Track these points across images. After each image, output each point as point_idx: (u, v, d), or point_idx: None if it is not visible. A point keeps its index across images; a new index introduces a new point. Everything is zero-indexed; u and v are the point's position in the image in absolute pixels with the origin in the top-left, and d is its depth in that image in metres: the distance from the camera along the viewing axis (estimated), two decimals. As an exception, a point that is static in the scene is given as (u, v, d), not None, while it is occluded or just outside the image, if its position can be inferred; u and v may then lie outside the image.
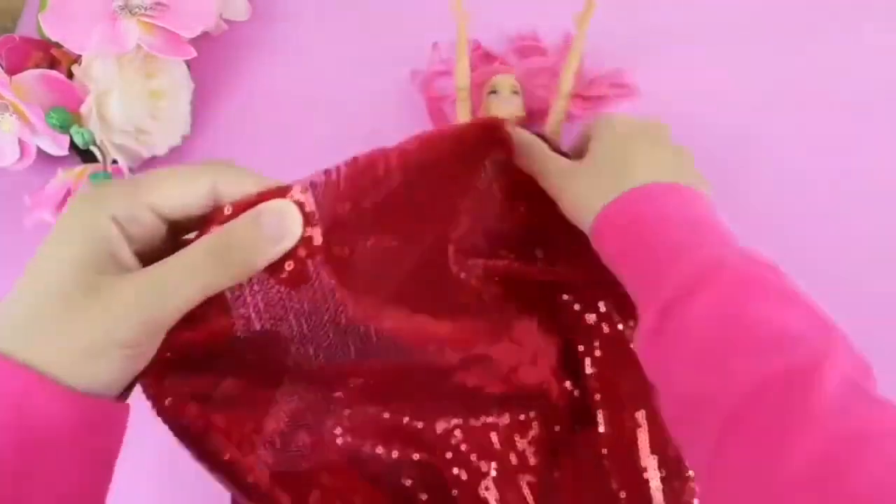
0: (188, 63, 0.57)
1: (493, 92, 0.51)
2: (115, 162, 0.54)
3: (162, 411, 0.29)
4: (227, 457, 0.31)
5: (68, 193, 0.52)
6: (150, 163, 0.57)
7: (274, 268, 0.28)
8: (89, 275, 0.25)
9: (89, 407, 0.26)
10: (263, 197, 0.27)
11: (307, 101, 0.59)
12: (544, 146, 0.39)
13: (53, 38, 0.52)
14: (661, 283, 0.32)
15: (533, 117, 0.52)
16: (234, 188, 0.28)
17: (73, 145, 0.53)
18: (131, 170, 0.54)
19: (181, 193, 0.27)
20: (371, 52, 0.60)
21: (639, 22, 0.57)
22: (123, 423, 0.28)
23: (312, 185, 0.28)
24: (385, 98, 0.58)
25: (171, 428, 0.30)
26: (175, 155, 0.58)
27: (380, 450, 0.38)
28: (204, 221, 0.27)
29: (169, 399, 0.29)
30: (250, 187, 0.28)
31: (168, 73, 0.56)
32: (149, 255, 0.27)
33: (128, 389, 0.28)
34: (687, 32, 0.56)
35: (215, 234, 0.27)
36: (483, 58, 0.57)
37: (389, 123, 0.57)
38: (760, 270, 0.30)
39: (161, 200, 0.27)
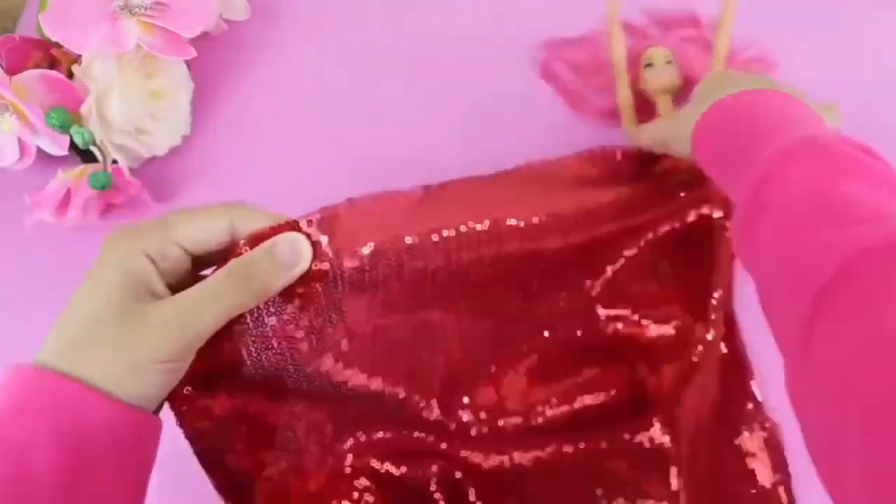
0: (188, 63, 0.57)
1: (649, 65, 0.53)
2: (115, 162, 0.54)
3: (183, 422, 0.33)
4: (238, 474, 0.34)
5: (68, 193, 0.52)
6: (150, 163, 0.57)
7: (287, 292, 0.32)
8: (129, 302, 0.29)
9: (136, 418, 0.29)
10: (276, 230, 0.31)
11: (307, 101, 0.59)
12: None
13: (53, 38, 0.52)
14: (751, 165, 0.32)
15: (688, 86, 0.53)
16: (249, 224, 0.32)
17: (73, 145, 0.53)
18: (131, 170, 0.54)
19: (204, 230, 0.31)
20: (371, 52, 0.60)
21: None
22: (159, 436, 0.31)
23: (320, 217, 0.32)
24: (386, 98, 0.58)
25: (189, 437, 0.33)
26: (175, 155, 0.58)
27: (400, 469, 0.38)
28: (223, 255, 0.31)
29: (190, 411, 0.33)
30: (263, 223, 0.32)
31: (168, 73, 0.56)
32: (175, 287, 0.31)
33: (160, 406, 0.32)
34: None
35: (236, 263, 0.31)
36: (627, 31, 0.57)
37: (390, 123, 0.57)
38: (854, 151, 0.30)
39: (186, 237, 0.31)
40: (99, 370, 0.28)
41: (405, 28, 0.61)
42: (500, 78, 0.57)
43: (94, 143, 0.52)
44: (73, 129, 0.52)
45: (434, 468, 0.38)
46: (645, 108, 0.53)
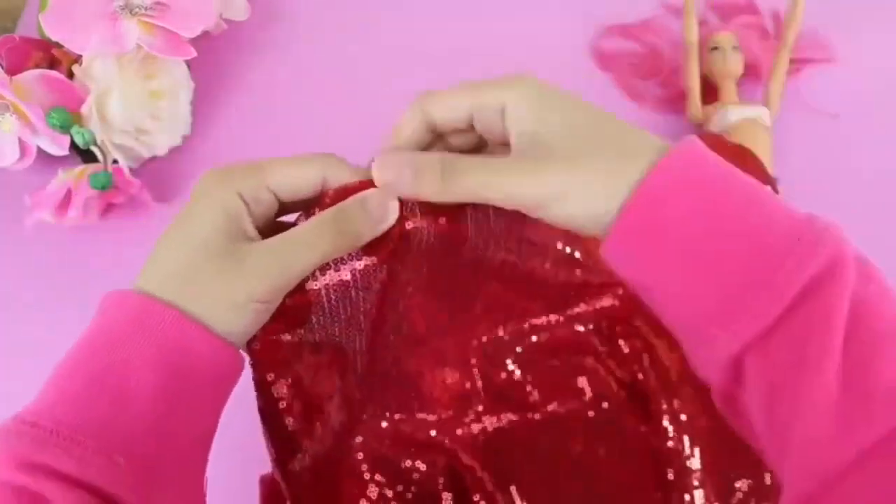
0: (188, 63, 0.58)
1: (715, 48, 0.54)
2: (115, 162, 0.54)
3: (255, 367, 0.34)
4: (289, 426, 0.35)
5: (69, 193, 0.52)
6: (151, 163, 0.57)
7: (371, 245, 0.33)
8: (228, 241, 0.30)
9: (229, 354, 0.30)
10: (365, 185, 0.32)
11: (307, 100, 0.59)
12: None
13: (54, 38, 0.52)
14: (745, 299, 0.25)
15: (748, 73, 0.55)
16: (340, 177, 0.32)
17: (73, 145, 0.53)
18: (131, 170, 0.54)
19: (298, 178, 0.32)
20: (371, 52, 0.60)
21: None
22: (241, 373, 0.32)
23: None
24: (386, 98, 0.58)
25: (256, 377, 0.34)
26: (175, 155, 0.58)
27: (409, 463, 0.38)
28: (305, 204, 0.33)
29: (264, 358, 0.34)
30: (353, 177, 0.32)
31: (168, 73, 0.56)
32: (260, 231, 0.32)
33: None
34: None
35: (331, 211, 0.31)
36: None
37: (389, 123, 0.57)
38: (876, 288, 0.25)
39: (281, 183, 0.32)
40: (199, 305, 0.29)
41: (406, 27, 0.61)
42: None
43: (95, 143, 0.52)
44: (74, 129, 0.52)
45: (442, 464, 0.38)
46: (704, 93, 0.55)
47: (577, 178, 0.28)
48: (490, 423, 0.39)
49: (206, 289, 0.29)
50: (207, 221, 0.30)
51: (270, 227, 0.32)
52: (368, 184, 0.33)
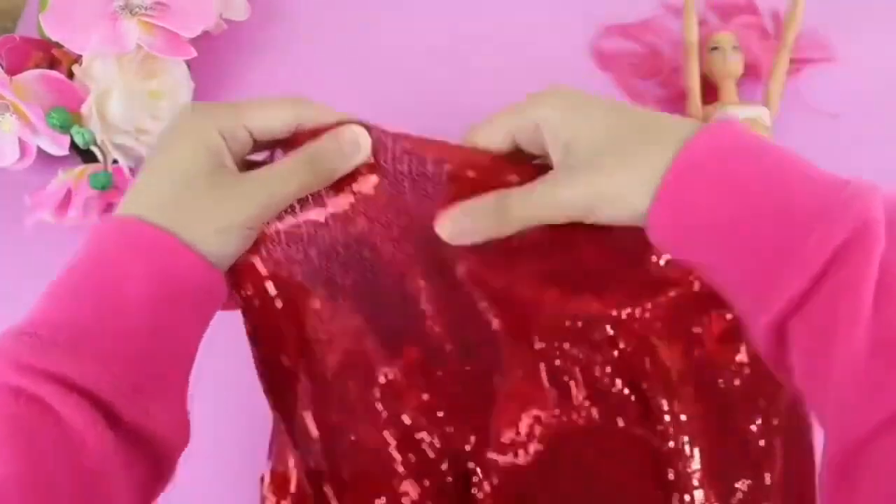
0: (188, 63, 0.57)
1: (715, 48, 0.54)
2: (115, 162, 0.54)
3: (241, 297, 0.35)
4: (285, 362, 0.37)
5: (69, 193, 0.52)
6: (151, 163, 0.57)
7: (340, 181, 0.34)
8: (209, 172, 0.31)
9: (215, 276, 0.32)
10: (338, 125, 0.34)
11: (307, 101, 0.59)
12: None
13: (54, 38, 0.52)
14: (787, 264, 0.26)
15: (748, 73, 0.55)
16: (314, 118, 0.34)
17: (73, 145, 0.53)
18: (132, 170, 0.54)
19: (273, 119, 0.34)
20: (371, 53, 0.60)
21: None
22: (224, 297, 0.34)
23: (375, 126, 0.35)
24: (385, 98, 0.58)
25: (246, 317, 0.35)
26: (175, 155, 0.58)
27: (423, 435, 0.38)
28: (287, 141, 0.34)
29: (248, 288, 0.35)
30: (327, 119, 0.34)
31: (168, 73, 0.56)
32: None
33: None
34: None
35: (306, 147, 0.33)
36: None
37: (391, 124, 0.57)
38: None
39: (257, 123, 0.33)
40: (187, 229, 0.31)
41: (406, 27, 0.61)
42: (504, 80, 0.57)
43: (95, 143, 0.52)
44: (74, 129, 0.52)
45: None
46: (704, 93, 0.55)
47: (608, 184, 0.30)
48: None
49: (193, 214, 0.31)
50: (191, 153, 0.32)
51: (243, 164, 0.34)
52: (342, 123, 0.34)
